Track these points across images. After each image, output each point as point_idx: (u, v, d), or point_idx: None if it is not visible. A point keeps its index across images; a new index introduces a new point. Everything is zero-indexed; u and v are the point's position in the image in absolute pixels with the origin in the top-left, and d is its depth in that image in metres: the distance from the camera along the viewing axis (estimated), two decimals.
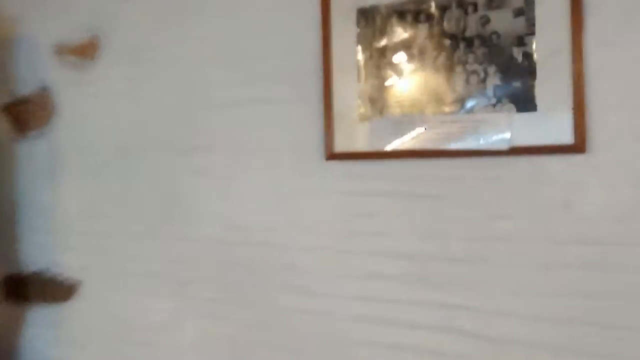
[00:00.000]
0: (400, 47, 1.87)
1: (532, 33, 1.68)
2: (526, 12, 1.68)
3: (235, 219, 2.18)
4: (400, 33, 1.86)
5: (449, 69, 1.80)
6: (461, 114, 1.78)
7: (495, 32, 1.73)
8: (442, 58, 1.81)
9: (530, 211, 1.71)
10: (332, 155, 1.98)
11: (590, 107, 1.61)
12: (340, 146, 1.97)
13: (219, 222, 2.21)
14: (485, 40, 1.74)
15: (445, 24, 1.79)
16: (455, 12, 1.77)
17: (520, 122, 1.70)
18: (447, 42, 1.80)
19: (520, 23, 1.69)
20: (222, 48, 2.19)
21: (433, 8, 1.81)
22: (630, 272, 1.59)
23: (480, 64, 1.75)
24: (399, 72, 1.87)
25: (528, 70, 1.69)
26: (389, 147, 1.89)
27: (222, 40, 2.20)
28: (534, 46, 1.68)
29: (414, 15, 1.83)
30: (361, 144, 1.94)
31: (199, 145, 2.25)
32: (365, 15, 1.91)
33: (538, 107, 1.68)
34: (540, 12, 1.66)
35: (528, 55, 1.69)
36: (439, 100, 1.81)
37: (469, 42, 1.76)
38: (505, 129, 1.71)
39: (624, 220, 1.59)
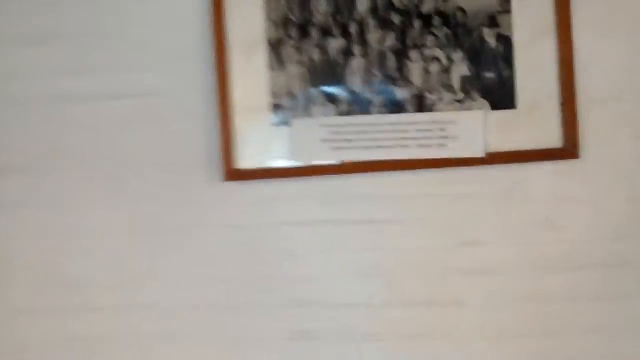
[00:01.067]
0: (330, 25, 1.37)
1: (508, 11, 1.33)
2: None
3: (69, 277, 1.43)
4: (330, 6, 1.36)
5: (401, 55, 1.35)
6: (419, 114, 1.35)
7: (461, 9, 1.34)
8: (390, 40, 1.35)
9: (510, 234, 1.35)
10: (232, 174, 1.38)
11: (582, 103, 1.31)
12: (245, 160, 1.38)
13: (42, 280, 1.44)
14: (448, 19, 1.34)
15: None
16: None
17: (497, 123, 1.33)
18: (397, 18, 1.35)
19: None
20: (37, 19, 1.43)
21: None
22: (624, 300, 1.33)
23: (442, 48, 1.34)
24: (330, 58, 1.37)
25: (504, 57, 1.33)
26: (318, 160, 1.37)
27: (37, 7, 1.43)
28: (511, 27, 1.33)
29: None
30: (277, 157, 1.39)
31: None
32: None
33: (518, 104, 1.33)
34: None
35: (503, 39, 1.33)
36: (388, 96, 1.35)
37: (427, 21, 1.35)
38: (477, 132, 1.33)
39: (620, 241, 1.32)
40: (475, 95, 1.34)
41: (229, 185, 1.39)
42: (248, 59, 1.38)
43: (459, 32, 1.34)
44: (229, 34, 1.38)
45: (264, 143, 1.39)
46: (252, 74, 1.38)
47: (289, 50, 1.38)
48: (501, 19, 1.33)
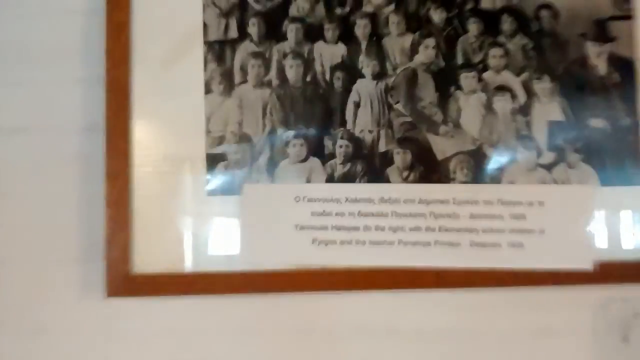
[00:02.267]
0: (321, 20, 0.77)
1: (628, 15, 0.77)
2: None
3: None
4: None
5: (443, 78, 0.76)
6: (473, 185, 0.74)
7: (548, 7, 0.77)
8: (425, 52, 0.76)
9: None
10: (126, 284, 0.72)
11: None
12: (150, 261, 0.73)
13: None
14: (526, 22, 0.77)
15: None
16: None
17: (610, 205, 0.75)
18: (439, 15, 0.77)
19: None
20: None
21: None
22: None
23: (516, 71, 0.76)
24: (318, 78, 0.76)
25: (621, 92, 0.76)
26: (290, 262, 0.74)
27: None
28: (633, 43, 0.76)
29: None
30: (212, 255, 0.75)
31: None
32: None
33: None
34: None
35: (621, 62, 0.76)
36: (419, 149, 0.75)
37: (490, 22, 0.76)
38: (579, 225, 0.74)
39: None
40: (574, 157, 0.75)
41: (119, 303, 0.73)
42: (164, 71, 0.76)
43: (545, 45, 0.77)
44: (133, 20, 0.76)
45: (189, 228, 0.74)
46: (171, 97, 0.75)
47: (243, 58, 0.76)
48: (616, 27, 0.77)
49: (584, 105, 0.76)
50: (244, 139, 0.76)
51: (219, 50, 0.77)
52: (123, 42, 0.76)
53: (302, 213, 0.74)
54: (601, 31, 0.76)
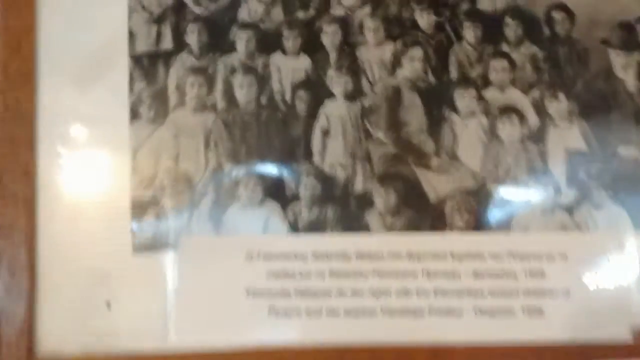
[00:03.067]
0: (279, 25, 0.61)
1: None
2: None
3: None
4: None
5: (434, 99, 0.60)
6: (476, 233, 0.58)
7: (562, 7, 0.62)
8: (411, 65, 0.61)
9: None
10: None
11: None
12: (56, 340, 0.55)
13: None
14: (537, 26, 0.61)
15: None
16: None
17: None
18: (427, 19, 0.61)
19: None
20: None
21: None
22: None
23: (525, 88, 0.60)
24: (276, 100, 0.60)
25: None
26: (237, 339, 0.56)
27: None
28: None
29: None
30: (137, 330, 0.57)
31: None
32: None
33: None
34: None
35: None
36: (407, 189, 0.59)
37: (491, 27, 0.61)
38: (613, 283, 0.58)
39: None
40: (600, 195, 0.59)
41: None
42: (79, 93, 0.59)
43: (559, 54, 0.61)
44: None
45: (108, 296, 0.57)
46: (87, 125, 0.59)
47: (179, 75, 0.60)
48: None
49: (610, 129, 0.60)
50: (181, 178, 0.59)
51: (148, 66, 0.60)
52: (25, 56, 0.59)
53: (256, 274, 0.57)
54: (628, 36, 0.61)
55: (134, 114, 0.59)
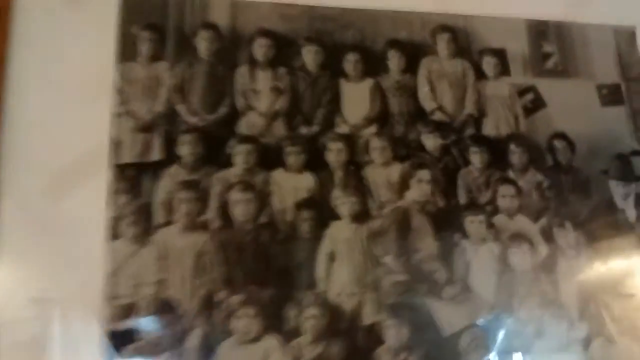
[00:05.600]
0: (281, 141, 0.57)
1: None
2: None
3: None
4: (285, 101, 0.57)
5: (444, 224, 0.57)
6: None
7: (562, 137, 0.62)
8: (419, 188, 0.58)
9: None
10: None
11: None
12: None
13: None
14: (538, 154, 0.61)
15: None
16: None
17: None
18: (433, 141, 0.60)
19: None
20: None
21: None
22: None
23: (533, 215, 0.59)
24: (277, 220, 0.54)
25: None
26: None
27: None
28: None
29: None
30: None
31: None
32: None
33: None
34: None
35: None
36: (416, 313, 0.53)
37: (496, 153, 0.60)
38: None
39: None
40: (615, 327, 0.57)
41: None
42: (49, 205, 0.51)
43: (564, 182, 0.61)
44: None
45: None
46: (56, 245, 0.50)
47: (168, 189, 0.53)
48: None
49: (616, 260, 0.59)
50: (166, 307, 0.50)
51: (133, 177, 0.53)
52: None
53: None
54: (625, 167, 0.62)
55: (113, 232, 0.51)
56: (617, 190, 0.62)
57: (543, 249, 0.58)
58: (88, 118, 0.54)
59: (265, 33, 0.59)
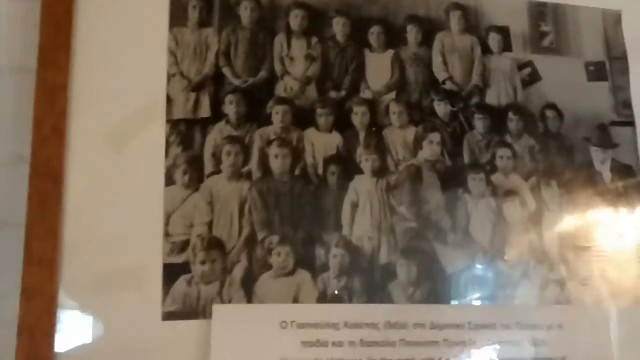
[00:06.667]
0: (312, 102, 0.64)
1: (629, 122, 0.74)
2: None
3: None
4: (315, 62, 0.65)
5: (452, 180, 0.66)
6: (486, 305, 0.64)
7: (553, 107, 0.71)
8: (430, 148, 0.66)
9: None
10: None
11: None
12: None
13: None
14: (532, 121, 0.70)
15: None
16: None
17: None
18: (443, 108, 0.68)
19: None
20: None
21: None
22: None
23: (524, 174, 0.68)
24: (300, 179, 0.62)
25: (627, 204, 0.71)
26: None
27: None
28: (637, 151, 0.73)
29: None
30: None
31: None
32: None
33: None
34: None
35: (621, 170, 0.72)
36: (426, 263, 0.63)
37: (495, 118, 0.69)
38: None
39: None
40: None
41: None
42: (112, 153, 0.58)
43: (552, 147, 0.70)
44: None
45: None
46: (119, 188, 0.58)
47: (216, 143, 0.60)
48: (618, 133, 0.73)
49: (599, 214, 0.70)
50: (214, 244, 0.59)
51: (185, 131, 0.61)
52: (57, 112, 0.57)
53: (291, 343, 0.58)
54: (604, 136, 0.72)
55: (168, 179, 0.59)
56: (597, 155, 0.71)
57: (532, 204, 0.68)
58: (146, 76, 0.61)
59: (300, 5, 0.66)
